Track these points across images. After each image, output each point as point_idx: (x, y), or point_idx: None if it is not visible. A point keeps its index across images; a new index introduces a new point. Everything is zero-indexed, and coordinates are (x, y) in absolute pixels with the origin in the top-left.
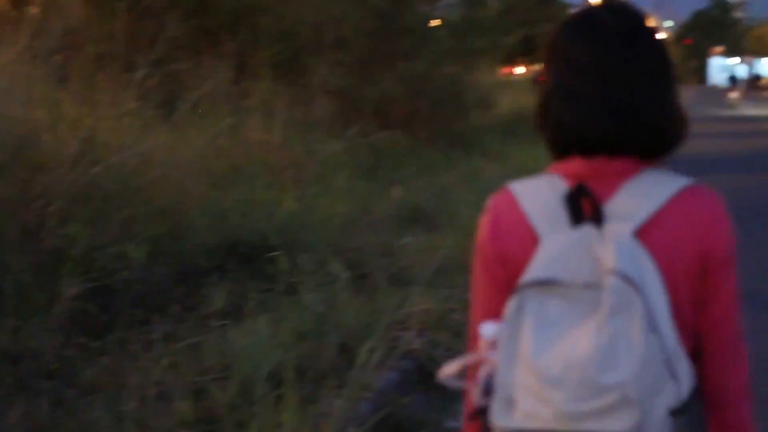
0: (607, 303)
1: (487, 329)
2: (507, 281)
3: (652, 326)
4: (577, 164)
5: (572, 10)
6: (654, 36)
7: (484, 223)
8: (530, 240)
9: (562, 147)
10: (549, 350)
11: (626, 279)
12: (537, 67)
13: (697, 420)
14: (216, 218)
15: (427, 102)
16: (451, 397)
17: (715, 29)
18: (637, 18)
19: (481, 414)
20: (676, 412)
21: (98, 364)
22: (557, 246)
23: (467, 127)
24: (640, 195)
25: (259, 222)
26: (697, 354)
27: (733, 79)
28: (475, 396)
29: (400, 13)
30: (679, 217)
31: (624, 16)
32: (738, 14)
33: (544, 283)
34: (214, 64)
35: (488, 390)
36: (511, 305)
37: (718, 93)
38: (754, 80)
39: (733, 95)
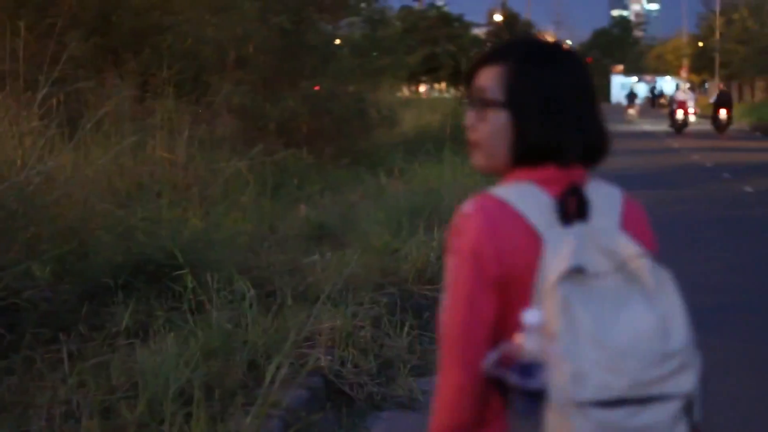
0: (651, 282)
1: (532, 317)
2: (498, 279)
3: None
4: (551, 172)
5: (476, 30)
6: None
7: (473, 225)
8: (532, 238)
9: (533, 159)
10: (613, 327)
11: (655, 260)
12: (443, 85)
13: None
14: (121, 236)
15: (331, 120)
16: (360, 413)
17: (615, 48)
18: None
19: (537, 395)
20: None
21: (4, 384)
22: (569, 241)
23: (371, 145)
24: (603, 197)
25: (165, 240)
26: None
27: (630, 97)
28: (515, 378)
29: (302, 31)
30: (632, 216)
31: (562, 46)
32: (637, 33)
33: (577, 272)
34: (116, 82)
35: (531, 373)
36: (557, 293)
37: (620, 110)
38: (657, 97)
39: (631, 112)
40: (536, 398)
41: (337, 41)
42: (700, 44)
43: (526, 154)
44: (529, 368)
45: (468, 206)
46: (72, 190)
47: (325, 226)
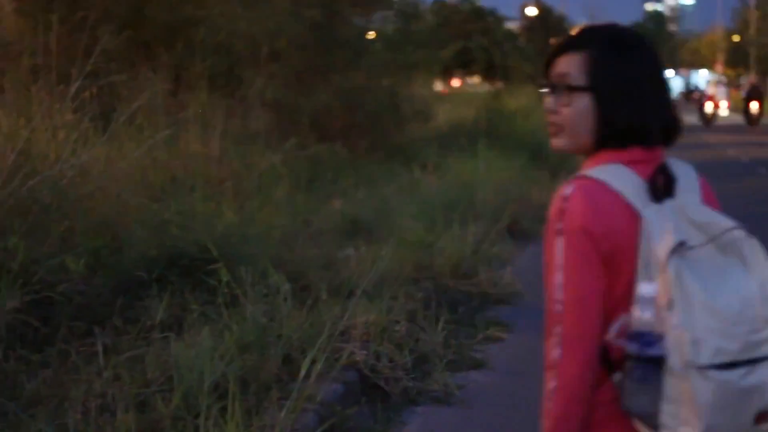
0: (748, 252)
1: (647, 289)
2: (606, 254)
3: None
4: (638, 153)
5: (509, 24)
6: None
7: (577, 205)
8: (630, 215)
9: (619, 140)
10: (722, 296)
11: (747, 232)
12: (476, 78)
13: None
14: (155, 230)
15: (365, 114)
16: (395, 408)
17: None
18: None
19: (655, 362)
20: None
21: (40, 377)
22: (667, 218)
23: (405, 139)
24: (682, 174)
25: (199, 234)
26: None
27: None
28: (635, 347)
29: (335, 26)
30: (706, 190)
31: (637, 34)
32: (672, 27)
33: (680, 246)
34: (149, 76)
35: (649, 342)
36: (671, 268)
37: None
38: (692, 92)
39: None
40: (654, 365)
41: (371, 33)
42: (736, 38)
43: (612, 136)
44: (646, 337)
45: (567, 189)
46: (106, 183)
47: (359, 221)
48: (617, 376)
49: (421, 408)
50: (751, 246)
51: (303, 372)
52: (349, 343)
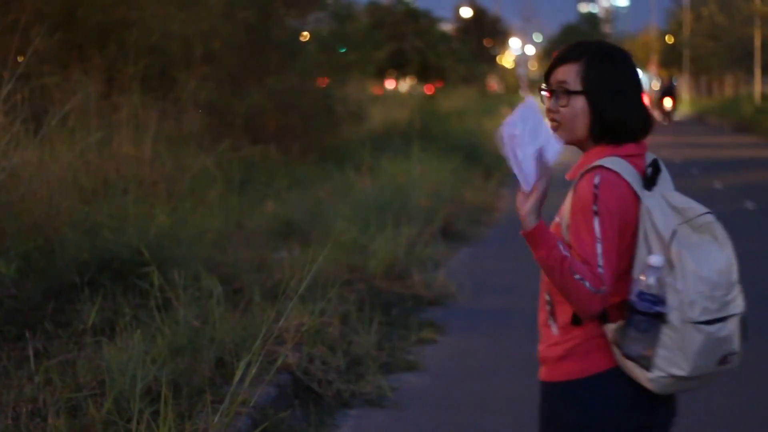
0: (720, 231)
1: (656, 259)
2: (621, 228)
3: None
4: (632, 148)
5: (444, 25)
6: None
7: (608, 192)
8: (634, 200)
9: (611, 136)
10: (706, 267)
11: (714, 215)
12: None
13: None
14: (87, 233)
15: (299, 116)
16: (328, 411)
17: None
18: None
19: (657, 317)
20: None
21: None
22: (660, 203)
23: (339, 141)
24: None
25: (131, 237)
26: None
27: None
28: (643, 305)
29: (269, 27)
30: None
31: (619, 48)
32: (606, 29)
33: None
34: (82, 78)
35: (654, 301)
36: (674, 245)
37: None
38: None
39: None
40: (656, 319)
41: (305, 34)
42: (669, 39)
43: (605, 131)
44: (653, 298)
45: (596, 179)
46: (37, 186)
47: (293, 223)
48: (612, 326)
49: (354, 410)
50: (719, 227)
51: (238, 375)
52: (282, 346)
